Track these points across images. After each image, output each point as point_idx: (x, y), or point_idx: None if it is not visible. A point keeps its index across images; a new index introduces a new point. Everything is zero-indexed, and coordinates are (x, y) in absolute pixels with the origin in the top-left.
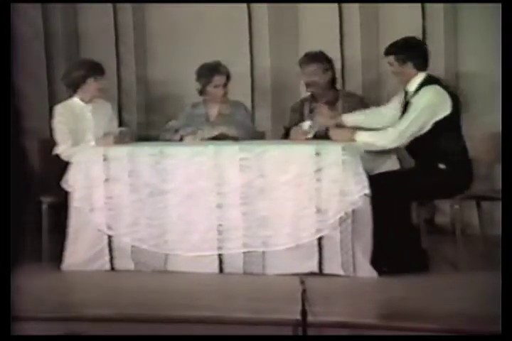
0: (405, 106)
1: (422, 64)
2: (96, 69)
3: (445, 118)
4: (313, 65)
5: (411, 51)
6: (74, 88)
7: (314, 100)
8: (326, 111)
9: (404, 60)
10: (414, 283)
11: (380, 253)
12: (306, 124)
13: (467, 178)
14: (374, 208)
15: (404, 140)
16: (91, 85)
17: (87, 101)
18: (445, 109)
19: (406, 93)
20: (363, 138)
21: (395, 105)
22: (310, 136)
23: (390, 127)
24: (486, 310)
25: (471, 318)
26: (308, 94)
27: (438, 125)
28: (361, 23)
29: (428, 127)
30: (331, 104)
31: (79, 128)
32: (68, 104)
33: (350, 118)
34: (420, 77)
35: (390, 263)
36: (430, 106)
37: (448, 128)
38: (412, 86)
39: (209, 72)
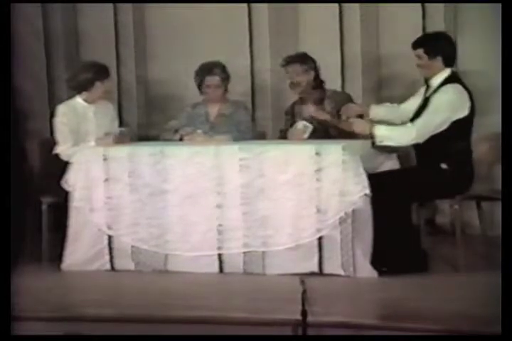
0: (425, 101)
1: (450, 60)
2: (103, 72)
3: (463, 119)
4: (292, 65)
5: (442, 45)
6: (80, 90)
7: (303, 102)
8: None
9: (434, 53)
10: (414, 283)
11: (380, 253)
12: (301, 124)
13: (468, 179)
14: (374, 208)
15: (422, 138)
16: (99, 88)
17: (90, 102)
18: (464, 110)
19: (427, 87)
20: (382, 131)
21: (414, 101)
22: (306, 135)
23: (408, 123)
24: (486, 310)
25: (471, 318)
26: (298, 97)
27: (455, 125)
28: (361, 23)
29: (445, 126)
30: (318, 103)
31: (81, 129)
32: (71, 104)
33: (374, 110)
34: (446, 72)
35: (390, 263)
36: (451, 104)
37: (463, 130)
38: (436, 81)
39: (202, 72)
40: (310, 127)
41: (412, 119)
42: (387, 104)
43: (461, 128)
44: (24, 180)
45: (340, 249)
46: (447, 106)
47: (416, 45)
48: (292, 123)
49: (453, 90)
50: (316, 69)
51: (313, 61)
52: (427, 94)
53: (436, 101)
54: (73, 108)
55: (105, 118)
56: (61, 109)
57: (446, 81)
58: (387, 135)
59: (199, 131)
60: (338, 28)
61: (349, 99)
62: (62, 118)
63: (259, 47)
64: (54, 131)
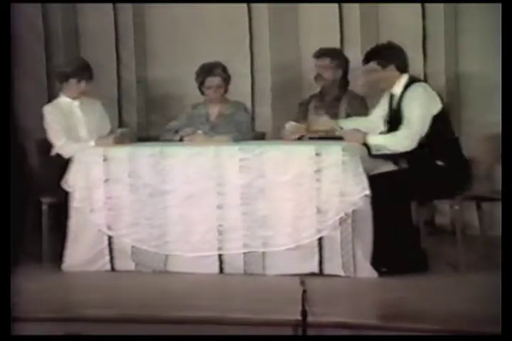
0: (396, 110)
1: (403, 65)
2: (82, 72)
3: (439, 114)
4: (324, 58)
5: (391, 53)
6: (59, 82)
7: (321, 96)
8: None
9: (386, 63)
10: (414, 283)
11: (381, 253)
12: (288, 124)
13: (465, 175)
14: (374, 208)
15: (415, 142)
16: (72, 85)
17: (73, 98)
18: (437, 104)
19: (391, 97)
20: (375, 140)
21: (379, 112)
22: (294, 136)
23: (398, 131)
24: (485, 310)
25: (471, 319)
26: (318, 90)
27: (434, 120)
28: (361, 23)
29: (428, 124)
30: (335, 101)
31: (70, 126)
32: (56, 103)
33: (345, 123)
34: (404, 78)
35: (390, 263)
36: (424, 101)
37: (442, 124)
38: (398, 88)
39: (202, 73)
40: (301, 127)
41: (392, 128)
42: (354, 117)
43: (441, 123)
44: (24, 180)
45: (341, 249)
46: (421, 104)
47: (367, 59)
48: (304, 116)
49: (419, 88)
50: (345, 68)
51: (346, 60)
52: (394, 103)
53: (408, 104)
54: (58, 106)
55: (93, 113)
56: (47, 109)
57: (408, 85)
58: (382, 144)
59: (199, 132)
60: (338, 28)
61: (363, 102)
62: (50, 117)
63: (259, 47)
64: (47, 132)
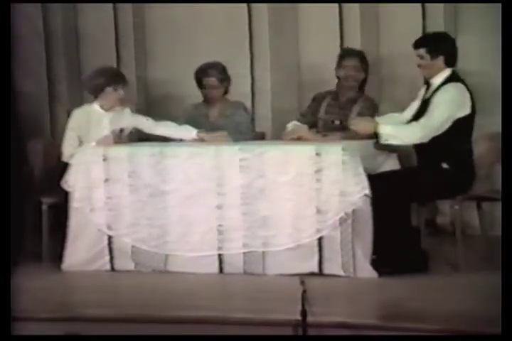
0: (425, 102)
1: (452, 60)
2: (116, 79)
3: (464, 118)
4: (352, 59)
5: (444, 45)
6: (93, 95)
7: (336, 95)
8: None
9: (436, 53)
10: (414, 283)
11: (381, 253)
12: (291, 124)
13: (469, 179)
14: (374, 208)
15: (427, 137)
16: (109, 94)
17: (107, 109)
18: (466, 108)
19: (427, 87)
20: (387, 130)
21: (415, 106)
22: (293, 136)
23: (413, 122)
24: (486, 310)
25: (471, 319)
26: (334, 88)
27: (457, 124)
28: (361, 23)
29: (448, 125)
30: (349, 103)
31: (92, 135)
32: (86, 110)
33: (382, 121)
34: (447, 72)
35: (390, 263)
36: (453, 103)
37: (465, 128)
38: (437, 80)
39: (199, 73)
40: (303, 127)
41: (415, 119)
42: (390, 114)
43: (462, 127)
44: (24, 181)
45: (341, 249)
46: (449, 104)
47: (418, 44)
48: (315, 110)
49: (454, 89)
50: (366, 72)
51: (367, 63)
52: (427, 95)
53: (438, 100)
54: (87, 114)
55: (122, 124)
56: (75, 114)
57: (447, 80)
58: (392, 134)
59: (224, 133)
60: (338, 28)
61: (375, 108)
62: (72, 124)
63: (259, 47)
64: (64, 135)
